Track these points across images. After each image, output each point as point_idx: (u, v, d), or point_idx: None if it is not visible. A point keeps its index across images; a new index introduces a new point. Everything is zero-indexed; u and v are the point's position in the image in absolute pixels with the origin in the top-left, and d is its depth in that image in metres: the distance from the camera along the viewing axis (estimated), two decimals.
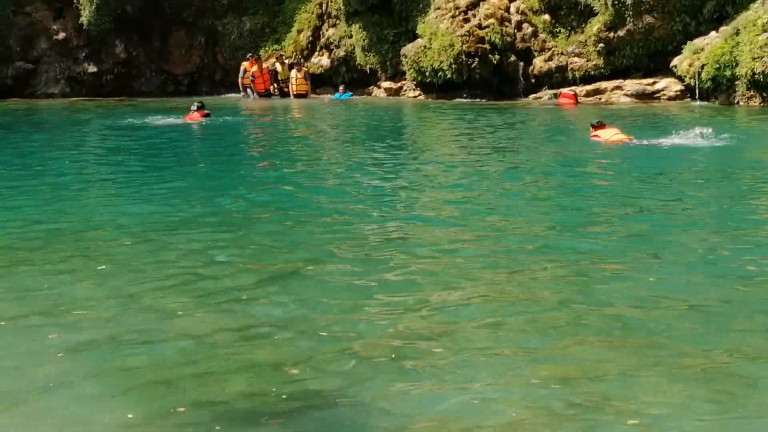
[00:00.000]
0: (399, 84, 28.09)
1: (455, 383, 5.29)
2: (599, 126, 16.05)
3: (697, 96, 22.41)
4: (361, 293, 7.11)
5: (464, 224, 9.77)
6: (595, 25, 24.47)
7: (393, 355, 5.72)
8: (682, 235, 8.92)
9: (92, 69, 31.84)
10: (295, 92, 29.20)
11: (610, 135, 15.62)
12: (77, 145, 19.26)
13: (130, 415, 4.90)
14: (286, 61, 30.02)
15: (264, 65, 29.72)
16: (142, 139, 20.04)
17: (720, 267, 7.69)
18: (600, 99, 25.04)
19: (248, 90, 29.86)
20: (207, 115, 22.46)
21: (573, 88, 25.03)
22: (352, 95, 28.50)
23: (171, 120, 22.86)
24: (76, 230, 9.87)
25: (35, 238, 9.39)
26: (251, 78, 29.54)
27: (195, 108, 22.67)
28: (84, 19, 30.89)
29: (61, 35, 31.66)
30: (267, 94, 29.50)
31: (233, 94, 30.11)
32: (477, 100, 26.00)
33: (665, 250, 8.29)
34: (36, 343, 6.04)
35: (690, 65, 22.26)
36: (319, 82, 29.53)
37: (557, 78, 25.66)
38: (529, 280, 7.44)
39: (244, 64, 29.94)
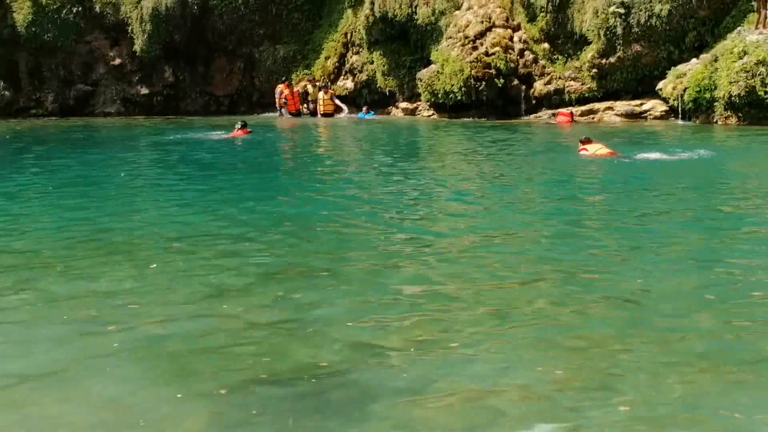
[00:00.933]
0: (414, 104, 28.15)
1: (463, 358, 5.30)
2: (586, 141, 15.98)
3: (680, 116, 22.34)
4: (378, 287, 7.10)
5: (465, 226, 9.73)
6: (589, 53, 24.42)
7: (408, 338, 5.74)
8: (661, 238, 8.84)
9: (144, 91, 32.08)
10: (322, 111, 29.33)
11: (596, 149, 15.57)
12: (137, 157, 19.22)
13: (179, 395, 4.95)
14: (316, 84, 30.14)
15: (295, 89, 29.86)
16: (194, 151, 20.01)
17: (698, 266, 7.64)
18: (593, 118, 24.94)
19: (282, 110, 30.01)
20: (249, 133, 22.70)
21: (569, 108, 24.97)
22: (373, 114, 28.58)
23: (218, 135, 23.00)
24: (131, 232, 9.87)
25: (96, 239, 9.41)
26: (284, 99, 29.71)
27: (239, 126, 22.93)
28: (137, 47, 31.07)
29: (117, 61, 31.84)
30: (297, 114, 29.63)
31: (269, 114, 30.26)
32: (483, 119, 25.93)
33: (646, 250, 8.22)
34: (96, 336, 6.07)
35: (674, 88, 22.20)
36: (345, 102, 29.64)
37: (555, 99, 25.58)
38: (527, 276, 7.41)
39: (280, 87, 30.06)
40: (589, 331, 5.96)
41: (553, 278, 7.43)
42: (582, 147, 15.90)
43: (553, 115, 25.24)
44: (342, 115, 28.89)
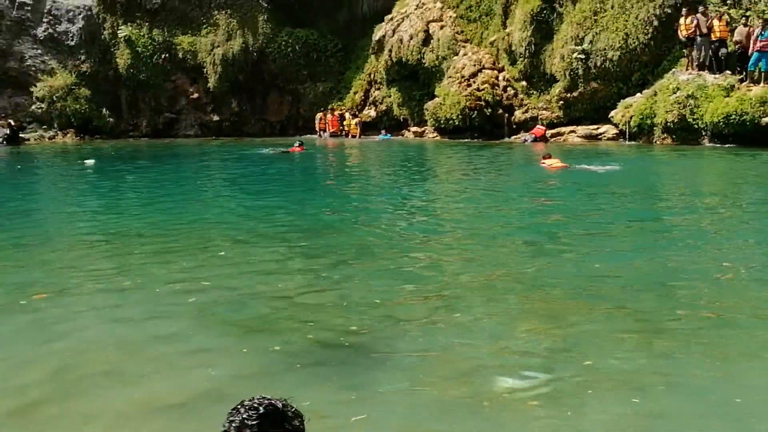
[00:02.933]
0: (422, 129, 27.98)
1: (461, 325, 5.30)
2: (546, 157, 15.91)
3: (627, 137, 22.19)
4: (394, 270, 7.11)
5: (460, 223, 9.71)
6: (557, 89, 24.27)
7: (419, 309, 5.76)
8: (603, 228, 8.75)
9: (216, 118, 32.03)
10: (351, 134, 29.32)
11: (552, 163, 15.46)
12: (215, 167, 19.21)
13: (244, 350, 5.02)
14: (349, 112, 30.02)
15: (334, 114, 29.85)
16: (261, 163, 19.72)
17: (636, 251, 7.55)
18: (560, 139, 24.74)
19: (321, 132, 29.97)
20: (303, 150, 22.68)
21: (542, 125, 24.79)
22: (390, 136, 28.46)
23: (280, 150, 22.85)
24: (205, 227, 9.88)
25: (179, 232, 9.39)
26: (325, 123, 29.80)
27: (297, 144, 23.12)
28: (210, 84, 31.12)
29: (195, 95, 31.84)
30: (333, 134, 29.61)
31: (310, 135, 30.13)
32: (475, 140, 25.79)
33: (597, 240, 8.20)
34: (177, 306, 6.11)
35: (622, 116, 22.04)
36: (368, 127, 29.52)
37: (531, 125, 25.35)
38: (508, 259, 7.39)
39: (319, 114, 30.02)
40: (557, 301, 5.96)
41: (529, 262, 7.42)
42: (542, 161, 15.81)
43: (530, 131, 25.00)
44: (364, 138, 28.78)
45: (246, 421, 1.85)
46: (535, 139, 24.59)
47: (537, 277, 6.81)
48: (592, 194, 12.02)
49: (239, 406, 1.91)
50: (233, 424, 1.86)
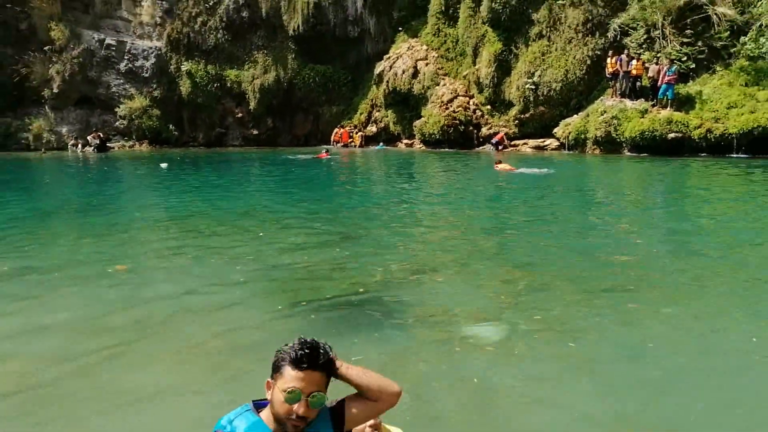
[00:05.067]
0: (412, 141, 27.79)
1: (444, 289, 5.29)
2: (498, 162, 15.62)
3: (567, 148, 22.13)
4: (392, 245, 7.06)
5: (440, 211, 9.57)
6: (513, 111, 24.15)
7: (411, 275, 5.69)
8: (549, 216, 8.67)
9: (255, 132, 31.74)
10: (355, 144, 29.17)
11: (503, 166, 15.18)
12: (259, 170, 18.82)
13: (279, 306, 4.99)
14: (355, 128, 29.85)
15: (345, 129, 29.67)
16: (293, 166, 19.15)
17: (568, 233, 7.49)
18: (516, 149, 24.63)
19: (335, 143, 29.83)
20: (329, 156, 22.28)
21: (502, 136, 24.55)
22: (385, 147, 28.20)
23: (306, 156, 22.25)
24: (244, 215, 9.69)
25: (228, 219, 9.21)
26: (339, 136, 29.67)
27: (325, 151, 22.68)
28: (251, 106, 30.87)
29: (239, 114, 31.49)
30: (344, 145, 29.46)
31: (328, 146, 29.72)
32: (451, 149, 25.62)
33: (543, 223, 8.11)
34: (229, 274, 5.98)
35: (563, 132, 21.96)
36: (369, 140, 29.33)
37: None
38: (480, 239, 7.31)
39: (336, 130, 29.83)
40: (512, 269, 5.87)
41: (490, 239, 7.39)
42: (496, 165, 15.57)
43: (492, 144, 24.79)
44: (367, 148, 28.55)
45: (294, 347, 1.96)
46: (497, 143, 24.40)
47: (497, 251, 6.79)
48: (532, 189, 11.82)
49: (285, 345, 2.00)
50: (284, 352, 1.98)
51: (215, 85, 31.05)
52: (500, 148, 24.36)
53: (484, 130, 25.66)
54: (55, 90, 29.01)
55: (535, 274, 5.78)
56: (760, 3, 18.37)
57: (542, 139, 23.98)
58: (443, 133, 25.54)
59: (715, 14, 18.89)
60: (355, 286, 5.52)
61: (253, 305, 5.07)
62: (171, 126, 30.87)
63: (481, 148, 25.62)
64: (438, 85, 26.65)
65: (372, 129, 29.48)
